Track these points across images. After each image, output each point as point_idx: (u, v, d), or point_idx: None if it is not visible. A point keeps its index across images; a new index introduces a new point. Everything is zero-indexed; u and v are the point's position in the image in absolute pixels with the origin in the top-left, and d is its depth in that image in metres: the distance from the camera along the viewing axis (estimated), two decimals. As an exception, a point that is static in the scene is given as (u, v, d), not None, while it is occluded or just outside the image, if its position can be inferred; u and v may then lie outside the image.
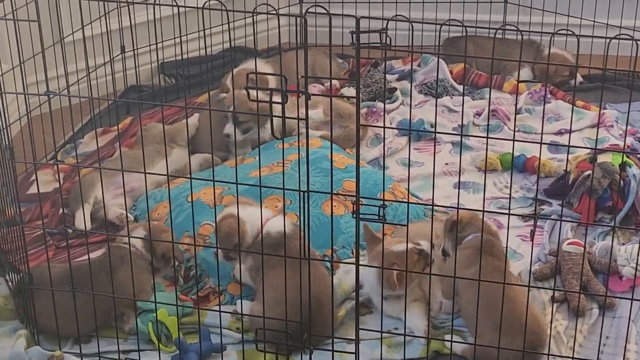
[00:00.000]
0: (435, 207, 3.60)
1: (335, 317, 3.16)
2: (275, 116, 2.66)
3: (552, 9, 5.33)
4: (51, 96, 2.88)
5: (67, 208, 3.84)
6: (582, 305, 3.25)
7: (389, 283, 3.07)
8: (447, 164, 4.39)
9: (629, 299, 3.01)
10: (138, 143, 4.24)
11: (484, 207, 2.80)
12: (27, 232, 3.56)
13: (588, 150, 3.96)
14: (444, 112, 4.88)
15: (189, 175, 3.35)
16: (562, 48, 5.21)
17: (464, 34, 3.59)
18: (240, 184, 2.83)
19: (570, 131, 3.34)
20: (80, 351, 3.09)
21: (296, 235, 3.16)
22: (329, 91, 4.90)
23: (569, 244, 3.50)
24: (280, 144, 3.12)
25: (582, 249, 3.39)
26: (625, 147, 4.01)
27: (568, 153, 3.24)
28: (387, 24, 2.56)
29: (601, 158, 3.90)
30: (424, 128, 4.58)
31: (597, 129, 2.83)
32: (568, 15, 5.19)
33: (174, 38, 4.86)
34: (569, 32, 2.78)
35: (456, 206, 2.92)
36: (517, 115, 4.76)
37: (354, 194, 2.75)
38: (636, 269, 3.33)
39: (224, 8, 3.20)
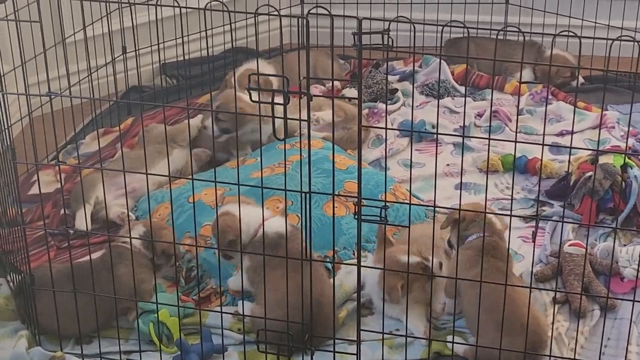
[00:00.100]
0: (436, 209, 3.60)
1: (336, 318, 3.15)
2: (277, 117, 2.65)
3: (554, 10, 5.33)
4: (53, 97, 2.88)
5: (68, 209, 3.84)
6: (584, 306, 3.25)
7: (392, 298, 3.08)
8: (448, 165, 4.39)
9: (631, 300, 3.00)
10: (139, 144, 4.24)
11: (485, 208, 2.80)
12: (29, 232, 3.55)
13: (589, 152, 3.96)
14: (446, 113, 4.89)
15: (190, 176, 3.34)
16: (564, 49, 5.21)
17: (466, 35, 3.60)
18: (242, 184, 2.82)
19: (571, 132, 3.32)
20: (82, 352, 3.09)
21: (294, 236, 3.15)
22: (330, 92, 4.90)
23: (570, 245, 3.50)
24: (282, 144, 3.12)
25: (584, 250, 3.39)
26: (627, 148, 4.01)
27: (569, 154, 3.23)
28: (389, 25, 2.56)
29: (603, 159, 3.90)
30: (426, 129, 4.58)
31: (599, 130, 2.83)
32: (569, 17, 5.19)
33: (176, 39, 4.86)
34: (571, 34, 2.78)
35: (458, 207, 2.92)
36: (519, 117, 4.76)
37: (356, 195, 2.74)
38: (638, 271, 3.32)
39: (225, 9, 3.19)
